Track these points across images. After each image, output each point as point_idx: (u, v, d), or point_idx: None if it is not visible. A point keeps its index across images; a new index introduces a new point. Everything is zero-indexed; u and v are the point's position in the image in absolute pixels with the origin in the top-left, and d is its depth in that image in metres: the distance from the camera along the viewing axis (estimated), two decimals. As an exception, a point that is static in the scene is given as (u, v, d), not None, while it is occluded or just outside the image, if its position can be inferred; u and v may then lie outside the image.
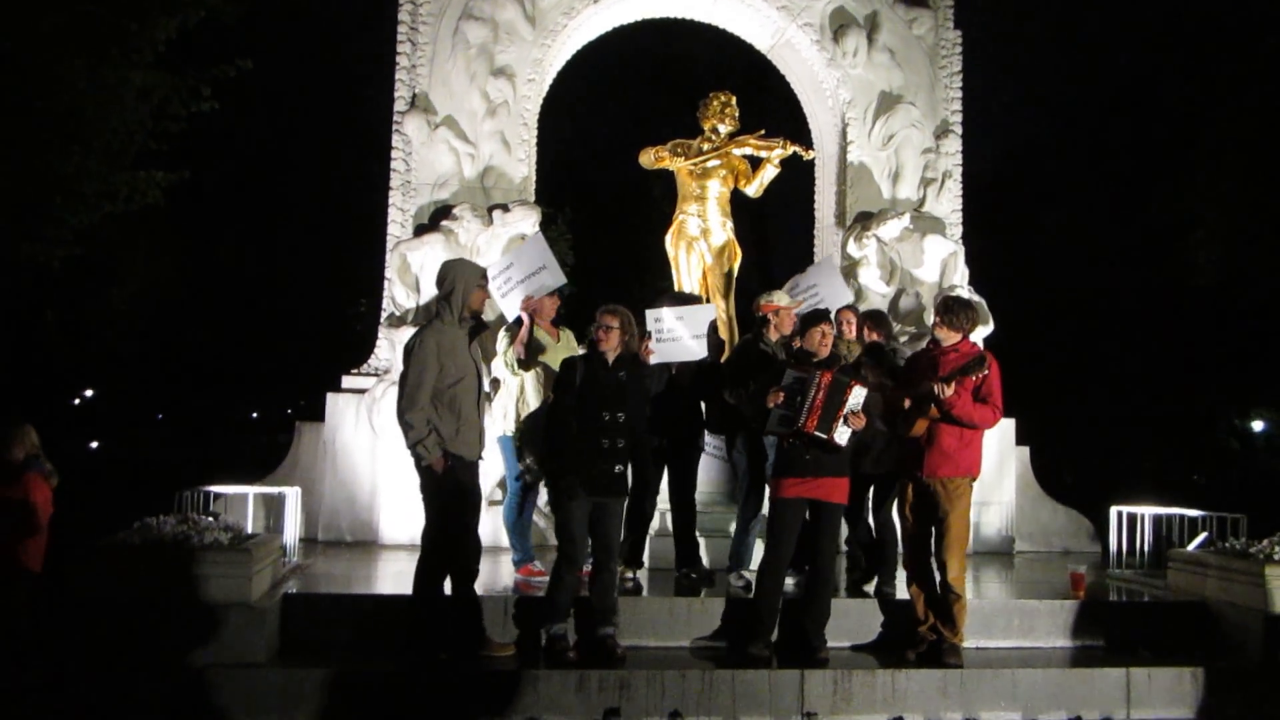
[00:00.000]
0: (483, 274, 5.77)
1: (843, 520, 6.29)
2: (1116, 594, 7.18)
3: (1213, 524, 7.22)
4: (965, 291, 9.65)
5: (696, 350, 6.61)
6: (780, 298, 7.13)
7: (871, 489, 6.81)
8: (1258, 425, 26.63)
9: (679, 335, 6.50)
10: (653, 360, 6.31)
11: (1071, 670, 5.91)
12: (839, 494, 5.82)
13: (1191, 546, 7.09)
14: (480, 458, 5.61)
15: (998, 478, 9.34)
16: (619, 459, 5.59)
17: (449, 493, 5.42)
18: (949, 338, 5.91)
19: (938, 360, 5.84)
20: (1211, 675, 5.83)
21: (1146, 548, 7.64)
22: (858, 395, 5.68)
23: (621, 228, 22.26)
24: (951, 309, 5.94)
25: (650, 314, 6.55)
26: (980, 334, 9.48)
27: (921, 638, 5.91)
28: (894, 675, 5.66)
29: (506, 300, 7.06)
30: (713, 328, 6.84)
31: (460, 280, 5.55)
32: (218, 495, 6.88)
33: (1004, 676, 5.73)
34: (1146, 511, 7.75)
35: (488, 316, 6.21)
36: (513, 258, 7.20)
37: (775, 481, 5.90)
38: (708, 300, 9.50)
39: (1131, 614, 6.66)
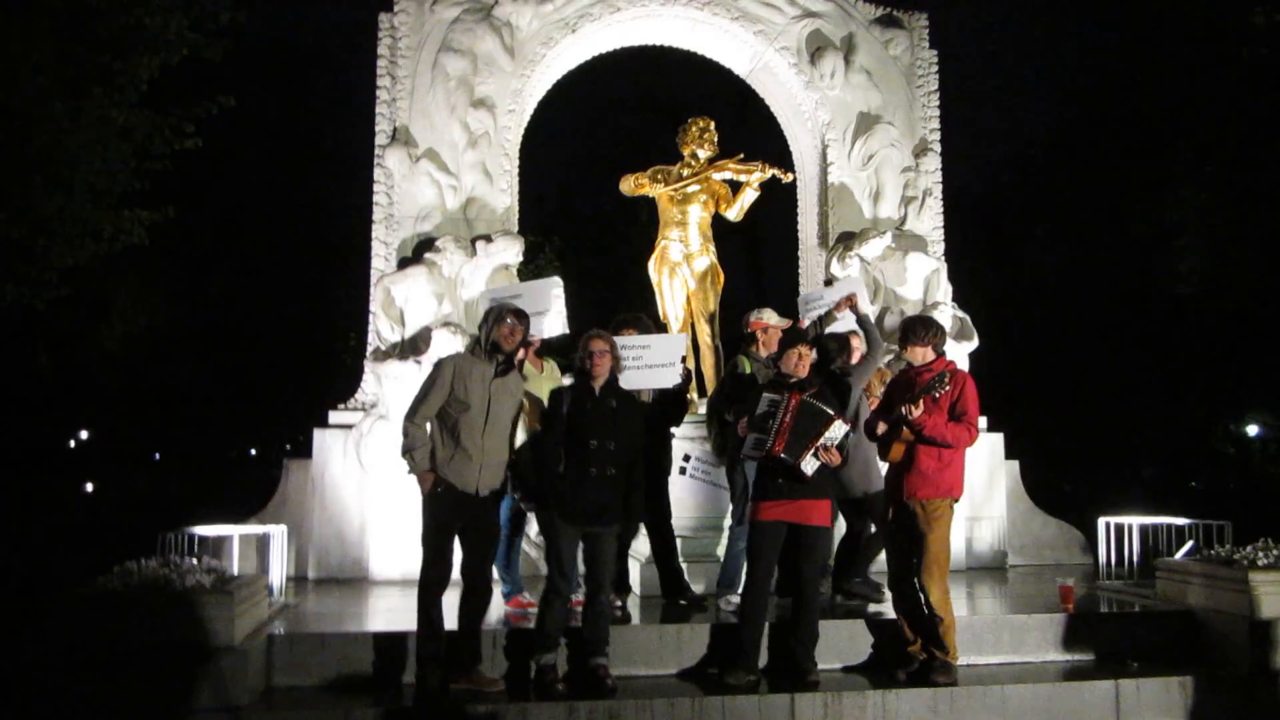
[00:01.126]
0: (514, 310, 5.79)
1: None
2: (1106, 605, 7.17)
3: (1199, 532, 7.24)
4: (949, 308, 9.71)
5: (664, 379, 6.60)
6: (769, 315, 7.10)
7: None
8: (1252, 430, 26.67)
9: (647, 363, 6.50)
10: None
11: (1061, 684, 5.91)
12: (819, 516, 5.79)
13: (1179, 555, 7.11)
14: (478, 493, 5.51)
15: (988, 492, 9.36)
16: (609, 488, 5.57)
17: (436, 515, 5.47)
18: (921, 357, 5.92)
19: (914, 382, 5.84)
20: (1199, 683, 5.85)
21: (1135, 558, 7.65)
22: (837, 430, 5.61)
23: (608, 254, 22.37)
24: (914, 329, 5.96)
25: (618, 341, 6.51)
26: (965, 349, 9.54)
27: (912, 657, 5.90)
28: (885, 696, 5.65)
29: None
30: (681, 357, 6.84)
31: (491, 315, 5.73)
32: (202, 537, 6.85)
33: (994, 693, 5.73)
34: (1134, 521, 7.77)
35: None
36: (523, 289, 7.14)
37: (754, 504, 5.89)
38: (692, 325, 9.57)
39: (1120, 625, 6.65)
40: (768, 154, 9.99)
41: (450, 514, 5.48)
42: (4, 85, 8.22)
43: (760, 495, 5.83)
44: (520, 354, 6.46)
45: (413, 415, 5.53)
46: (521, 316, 5.77)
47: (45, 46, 8.49)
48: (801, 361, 5.86)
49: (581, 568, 5.84)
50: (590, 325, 6.53)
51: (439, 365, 5.66)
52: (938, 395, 5.64)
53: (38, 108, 8.51)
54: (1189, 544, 7.18)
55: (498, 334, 5.61)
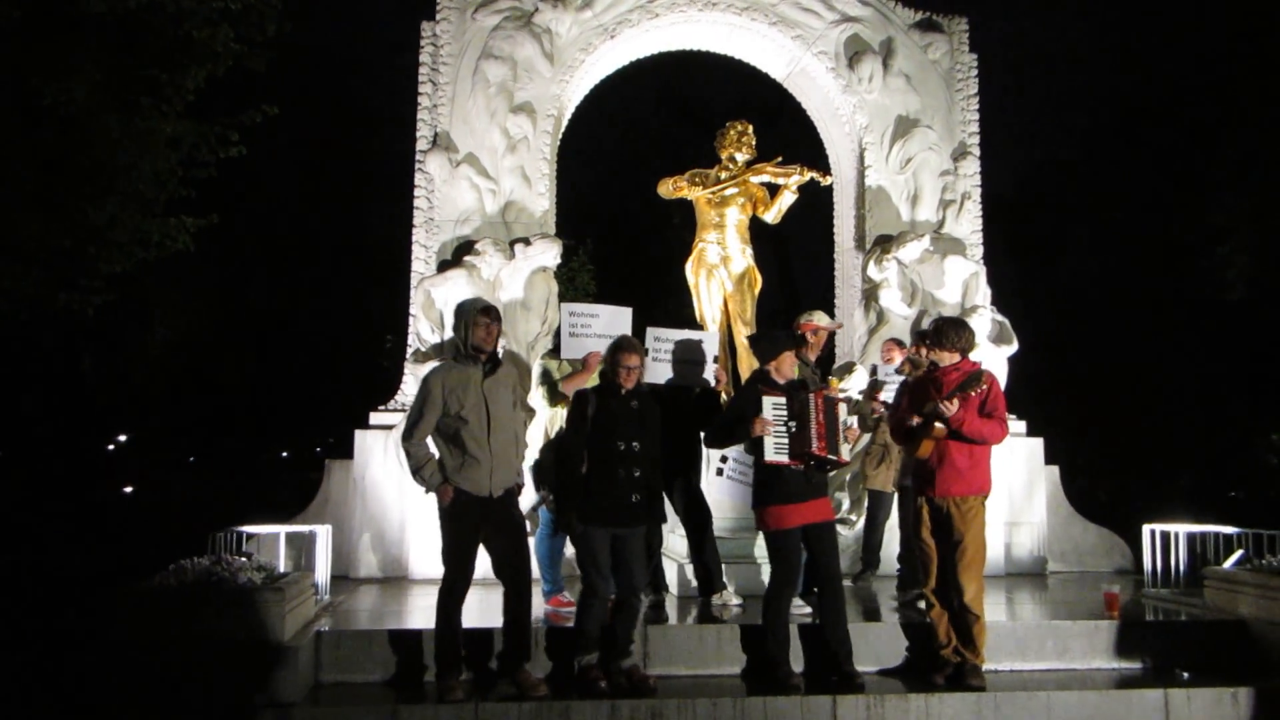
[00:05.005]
0: (483, 308, 5.63)
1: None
2: (1152, 614, 7.08)
3: (1248, 541, 7.12)
4: (989, 311, 9.65)
5: (695, 376, 6.64)
6: (820, 318, 7.13)
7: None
8: (1296, 439, 26.12)
9: (675, 358, 6.59)
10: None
11: (1108, 692, 5.84)
12: (828, 512, 5.90)
13: (1227, 564, 7.00)
14: (492, 494, 5.46)
15: (1027, 497, 9.28)
16: (636, 489, 5.60)
17: (455, 525, 5.46)
18: (948, 358, 5.93)
19: (940, 381, 5.86)
20: (1256, 696, 5.72)
21: (1182, 566, 7.54)
22: (844, 410, 5.87)
23: (642, 257, 22.42)
24: (944, 331, 5.97)
25: (651, 332, 6.62)
26: (1005, 353, 9.48)
27: (945, 661, 5.86)
28: (927, 699, 5.62)
29: (573, 340, 6.97)
30: (714, 357, 6.86)
31: (462, 318, 5.60)
32: (250, 535, 6.95)
33: (1038, 699, 5.67)
34: (1181, 529, 7.65)
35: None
36: (600, 310, 7.17)
37: (775, 511, 5.76)
38: (729, 327, 9.58)
39: (1168, 634, 6.55)
40: (800, 157, 9.99)
41: (469, 522, 5.47)
42: (58, 99, 8.38)
43: (783, 499, 5.73)
44: (590, 370, 6.58)
45: (409, 436, 5.51)
46: (492, 313, 5.60)
47: (97, 60, 8.65)
48: (793, 365, 6.07)
49: None
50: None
51: (426, 381, 5.54)
52: (973, 393, 5.67)
53: (90, 120, 8.67)
54: (1238, 553, 7.06)
55: (475, 337, 5.50)
